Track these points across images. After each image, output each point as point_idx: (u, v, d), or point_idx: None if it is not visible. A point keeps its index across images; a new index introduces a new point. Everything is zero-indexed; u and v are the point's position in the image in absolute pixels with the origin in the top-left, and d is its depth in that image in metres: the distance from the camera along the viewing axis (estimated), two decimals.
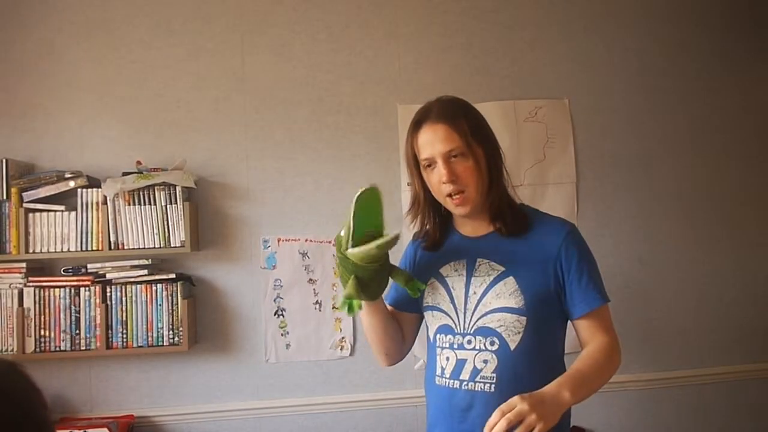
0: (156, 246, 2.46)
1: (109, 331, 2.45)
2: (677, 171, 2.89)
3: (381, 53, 2.77)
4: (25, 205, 2.43)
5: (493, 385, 1.44)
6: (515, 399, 1.26)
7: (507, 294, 1.46)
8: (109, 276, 2.47)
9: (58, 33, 2.64)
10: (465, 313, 1.50)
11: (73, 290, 2.46)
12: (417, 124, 1.51)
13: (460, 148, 1.46)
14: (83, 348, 2.45)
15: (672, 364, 2.85)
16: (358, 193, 1.35)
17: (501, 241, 1.51)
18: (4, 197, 2.43)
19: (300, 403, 2.66)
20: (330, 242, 2.68)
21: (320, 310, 2.67)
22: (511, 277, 1.47)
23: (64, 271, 2.48)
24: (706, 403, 2.86)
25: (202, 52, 2.69)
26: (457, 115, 1.49)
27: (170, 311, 2.47)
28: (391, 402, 2.68)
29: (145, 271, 2.48)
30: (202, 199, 2.66)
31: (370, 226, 1.38)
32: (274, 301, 2.66)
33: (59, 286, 2.46)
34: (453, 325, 1.51)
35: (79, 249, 2.45)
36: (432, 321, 1.57)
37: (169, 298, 2.48)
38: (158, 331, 2.47)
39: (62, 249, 2.44)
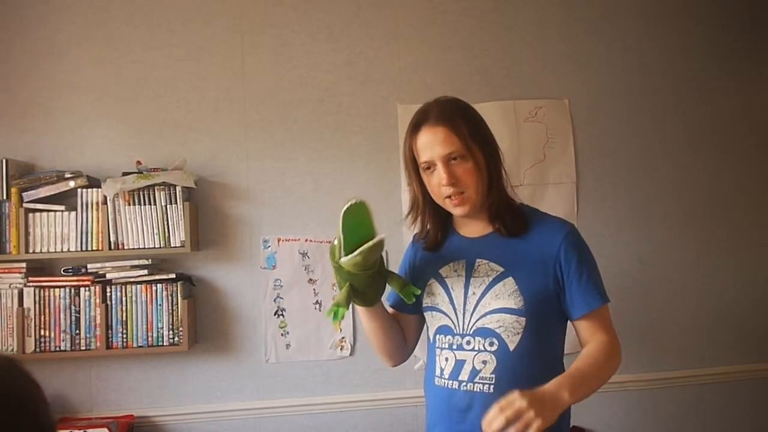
0: (156, 246, 2.46)
1: (109, 331, 2.45)
2: (677, 171, 2.89)
3: (381, 53, 2.77)
4: (25, 205, 2.43)
5: (492, 386, 1.44)
6: (514, 395, 1.26)
7: (506, 294, 1.46)
8: (109, 276, 2.47)
9: (58, 33, 2.64)
10: (464, 313, 1.49)
11: (73, 290, 2.46)
12: (416, 127, 1.51)
13: (459, 151, 1.46)
14: (83, 348, 2.45)
15: (672, 364, 2.85)
16: (345, 208, 1.36)
17: (500, 241, 1.51)
18: (4, 197, 2.43)
19: (300, 403, 2.66)
20: (330, 242, 2.67)
21: (320, 310, 2.67)
22: (510, 278, 1.46)
23: (64, 271, 2.48)
24: (706, 403, 2.86)
25: (202, 52, 2.69)
26: (456, 117, 1.48)
27: (170, 311, 2.48)
28: (391, 402, 2.69)
29: (145, 271, 2.48)
30: (202, 199, 2.66)
31: (361, 236, 1.39)
32: (274, 301, 2.67)
33: (59, 286, 2.46)
34: (452, 326, 1.51)
35: (79, 249, 2.45)
36: (431, 321, 1.57)
37: (169, 298, 2.48)
38: (158, 331, 2.47)
39: (62, 249, 2.45)
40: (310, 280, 2.68)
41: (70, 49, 2.64)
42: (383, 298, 1.58)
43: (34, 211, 2.44)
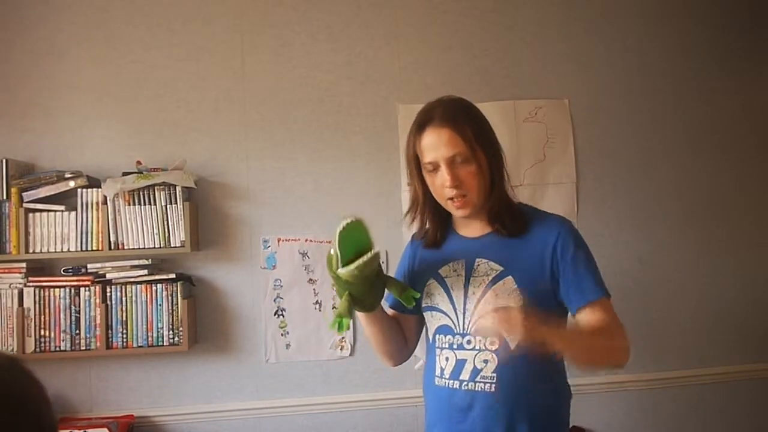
0: (156, 246, 2.46)
1: (109, 331, 2.45)
2: (677, 171, 2.89)
3: (381, 53, 2.77)
4: (25, 205, 2.43)
5: (493, 385, 1.44)
6: (516, 308, 1.31)
7: (506, 293, 1.46)
8: (109, 276, 2.47)
9: (58, 33, 2.64)
10: (464, 313, 1.50)
11: (73, 290, 2.46)
12: (420, 126, 1.50)
13: (463, 153, 1.45)
14: (83, 348, 2.45)
15: (672, 364, 2.85)
16: (339, 229, 1.36)
17: (499, 240, 1.51)
18: (4, 197, 2.43)
19: (300, 403, 2.66)
20: (330, 242, 2.67)
21: (320, 310, 2.67)
22: (509, 277, 1.47)
23: (64, 271, 2.48)
24: (706, 403, 2.86)
25: (202, 52, 2.69)
26: (461, 118, 1.48)
27: (170, 311, 2.47)
28: (391, 402, 2.69)
29: (145, 271, 2.48)
30: (202, 199, 2.66)
31: (358, 247, 1.39)
32: (274, 301, 2.67)
33: (59, 286, 2.46)
34: (452, 326, 1.51)
35: (79, 249, 2.45)
36: (431, 321, 1.57)
37: (169, 298, 2.48)
38: (158, 331, 2.47)
39: (62, 249, 2.44)
40: (310, 280, 2.68)
41: (70, 49, 2.64)
42: (383, 299, 1.58)
43: (34, 211, 2.44)
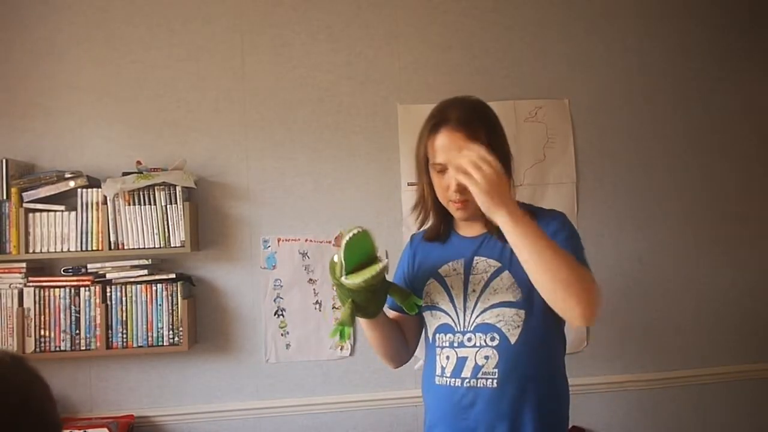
0: (156, 246, 2.46)
1: (109, 331, 2.45)
2: (677, 171, 2.89)
3: (381, 53, 2.77)
4: (25, 205, 2.43)
5: (495, 381, 1.44)
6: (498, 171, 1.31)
7: (504, 288, 1.47)
8: (109, 276, 2.47)
9: (58, 33, 2.64)
10: (464, 311, 1.50)
11: (73, 290, 2.46)
12: (435, 127, 1.49)
13: None
14: (83, 348, 2.45)
15: (672, 364, 2.85)
16: (347, 239, 1.35)
17: (497, 238, 1.51)
18: (4, 197, 2.43)
19: (300, 403, 2.66)
20: (330, 242, 2.68)
21: (320, 310, 2.67)
22: (506, 272, 1.48)
23: (64, 271, 2.48)
24: (706, 403, 2.86)
25: (202, 52, 2.69)
26: (476, 124, 1.47)
27: (170, 311, 2.47)
28: (391, 402, 2.69)
29: (145, 271, 2.48)
30: (202, 199, 2.66)
31: (363, 256, 1.39)
32: (274, 301, 2.66)
33: (59, 286, 2.46)
34: (453, 324, 1.51)
35: (79, 249, 2.45)
36: (431, 321, 1.57)
37: (169, 298, 2.48)
38: (158, 331, 2.47)
39: (62, 249, 2.44)
40: (310, 280, 2.68)
41: (70, 49, 2.64)
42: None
43: (34, 211, 2.44)
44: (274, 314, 2.66)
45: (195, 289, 2.63)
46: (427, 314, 1.58)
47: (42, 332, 2.44)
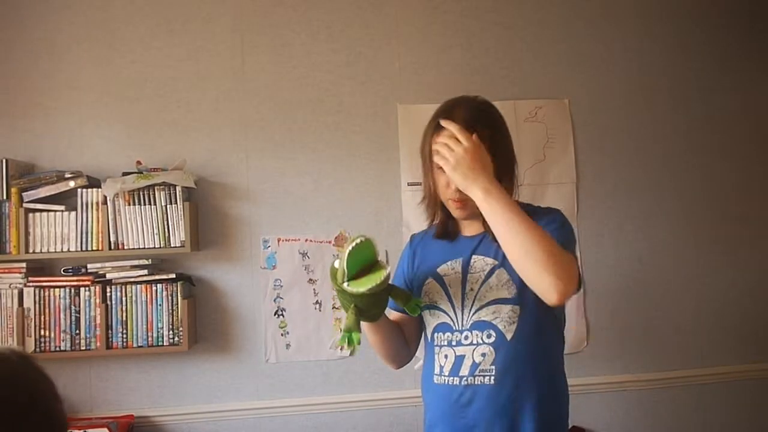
0: (156, 246, 2.46)
1: (109, 331, 2.45)
2: (677, 171, 2.89)
3: (381, 53, 2.77)
4: (25, 205, 2.43)
5: (492, 377, 1.45)
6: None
7: (500, 285, 1.47)
8: (109, 276, 2.47)
9: (58, 33, 2.64)
10: (462, 309, 1.51)
11: (73, 290, 2.46)
12: (439, 126, 1.49)
13: None
14: (83, 348, 2.45)
15: (672, 364, 2.85)
16: (350, 248, 1.34)
17: (493, 237, 1.51)
18: (4, 197, 2.43)
19: (300, 403, 2.66)
20: (330, 242, 2.68)
21: (320, 310, 2.67)
22: (502, 268, 1.48)
23: (64, 271, 2.48)
24: (706, 403, 2.86)
25: (202, 52, 2.69)
26: (480, 124, 1.47)
27: (170, 311, 2.47)
28: (391, 402, 2.69)
29: (145, 271, 2.48)
30: (202, 199, 2.66)
31: (364, 263, 1.39)
32: (274, 301, 2.66)
33: (59, 286, 2.46)
34: (451, 323, 1.52)
35: (79, 249, 2.45)
36: (430, 320, 1.57)
37: (169, 298, 2.48)
38: (158, 331, 2.47)
39: (62, 249, 2.44)
40: (310, 280, 2.68)
41: (70, 49, 2.64)
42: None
43: (34, 211, 2.44)
44: (274, 314, 2.66)
45: (195, 289, 2.63)
46: (425, 313, 1.59)
47: (42, 332, 2.44)
